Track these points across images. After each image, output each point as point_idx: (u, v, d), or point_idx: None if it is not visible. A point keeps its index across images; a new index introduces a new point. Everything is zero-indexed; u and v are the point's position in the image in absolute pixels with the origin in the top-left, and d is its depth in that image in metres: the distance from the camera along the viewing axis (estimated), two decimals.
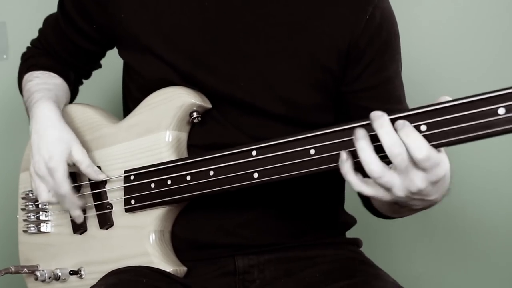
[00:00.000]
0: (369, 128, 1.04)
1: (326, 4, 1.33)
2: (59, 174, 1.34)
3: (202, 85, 1.34)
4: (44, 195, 1.37)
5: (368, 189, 1.05)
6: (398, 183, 1.01)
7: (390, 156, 1.00)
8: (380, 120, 1.01)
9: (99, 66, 1.66)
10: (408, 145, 0.99)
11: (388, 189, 1.03)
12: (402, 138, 0.99)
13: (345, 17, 1.32)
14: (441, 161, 1.00)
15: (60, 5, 1.52)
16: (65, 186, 1.34)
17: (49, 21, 1.58)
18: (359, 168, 1.05)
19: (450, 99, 1.00)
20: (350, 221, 1.49)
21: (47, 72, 1.53)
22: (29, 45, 1.62)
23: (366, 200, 1.37)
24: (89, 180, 1.39)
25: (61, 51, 1.55)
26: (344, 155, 1.05)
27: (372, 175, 1.02)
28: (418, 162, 0.99)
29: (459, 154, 1.88)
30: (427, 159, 0.98)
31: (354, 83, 1.35)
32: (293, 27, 1.33)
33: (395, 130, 1.00)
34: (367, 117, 1.06)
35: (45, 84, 1.49)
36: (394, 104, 1.36)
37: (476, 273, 2.03)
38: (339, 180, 1.45)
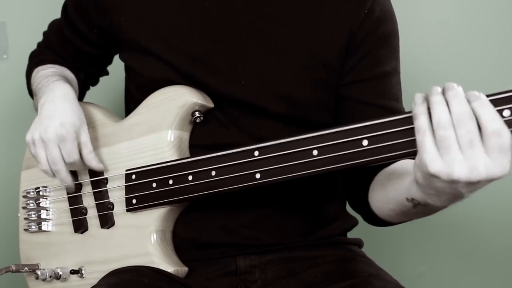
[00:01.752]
0: (373, 127, 1.04)
1: (326, 3, 1.34)
2: (69, 143, 1.33)
3: (203, 85, 1.34)
4: (44, 163, 1.36)
5: (428, 137, 0.97)
6: (459, 157, 0.94)
7: (456, 124, 0.94)
8: (455, 90, 0.96)
9: (106, 72, 1.66)
10: (481, 115, 0.93)
11: (445, 150, 0.95)
12: (475, 109, 0.94)
13: (344, 14, 1.32)
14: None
15: (63, 10, 1.53)
16: (76, 155, 1.34)
17: (54, 25, 1.59)
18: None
19: None
20: (352, 222, 1.48)
21: (61, 66, 1.54)
22: (36, 47, 1.63)
23: (363, 203, 1.34)
24: (91, 177, 1.39)
25: (64, 54, 1.56)
26: (420, 96, 1.00)
27: (439, 123, 0.95)
28: (488, 135, 0.93)
29: None
30: (498, 133, 0.92)
31: (348, 74, 1.35)
32: (293, 27, 1.33)
33: (468, 102, 0.95)
34: (360, 113, 1.06)
35: (63, 74, 1.51)
36: (390, 101, 1.35)
37: (477, 273, 2.03)
38: (341, 181, 1.45)
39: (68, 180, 1.38)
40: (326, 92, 1.36)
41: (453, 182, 0.96)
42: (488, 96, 0.95)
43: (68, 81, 1.48)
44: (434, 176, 0.97)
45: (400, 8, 1.44)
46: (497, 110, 0.94)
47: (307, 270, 1.34)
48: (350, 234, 1.49)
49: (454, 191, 1.00)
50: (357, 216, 1.48)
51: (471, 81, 1.93)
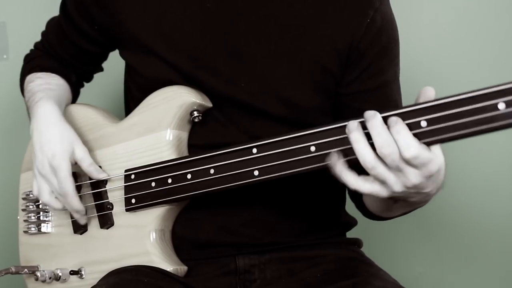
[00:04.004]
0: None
1: (328, 7, 1.34)
2: (62, 173, 1.33)
3: (203, 85, 1.34)
4: (45, 196, 1.37)
5: (364, 185, 1.06)
6: (393, 178, 1.03)
7: (381, 156, 1.02)
8: (372, 120, 1.03)
9: (101, 69, 1.66)
10: (398, 142, 1.01)
11: (383, 182, 1.04)
12: (393, 135, 1.01)
13: (346, 20, 1.33)
14: (432, 158, 1.02)
15: (62, 6, 1.53)
16: (68, 184, 1.33)
17: (52, 23, 1.59)
18: (353, 165, 1.07)
19: (433, 90, 1.03)
20: (351, 222, 1.49)
21: (49, 73, 1.54)
22: (32, 48, 1.63)
23: (359, 201, 1.39)
24: (90, 179, 1.39)
25: (63, 53, 1.55)
26: (334, 156, 1.07)
27: (365, 166, 1.03)
28: (407, 160, 1.01)
29: (459, 155, 1.90)
30: (415, 158, 1.00)
31: (351, 85, 1.36)
32: (295, 30, 1.33)
33: (388, 127, 1.02)
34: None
35: (47, 84, 1.50)
36: (389, 108, 1.36)
37: (476, 273, 2.03)
38: (340, 181, 1.45)
39: (76, 204, 1.37)
40: (324, 95, 1.36)
41: (400, 193, 1.06)
42: (480, 90, 0.97)
43: (53, 93, 1.46)
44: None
45: (400, 9, 1.45)
46: (492, 104, 0.95)
47: (307, 269, 1.34)
48: (350, 234, 1.49)
49: (415, 192, 1.08)
50: (357, 216, 1.48)
51: (471, 81, 1.93)
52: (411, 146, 1.00)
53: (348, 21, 1.32)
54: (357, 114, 1.32)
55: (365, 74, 1.35)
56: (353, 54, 1.33)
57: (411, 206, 1.22)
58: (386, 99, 1.38)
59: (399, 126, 1.01)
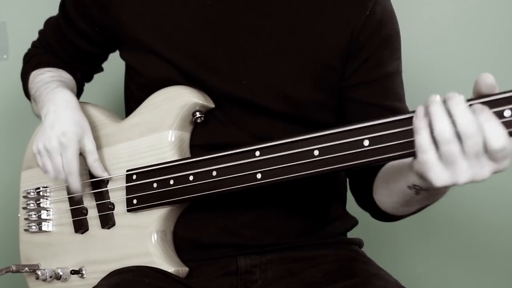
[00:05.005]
0: (375, 128, 1.04)
1: (327, 3, 1.34)
2: (70, 151, 1.33)
3: (204, 84, 1.34)
4: (51, 172, 1.36)
5: (432, 155, 0.94)
6: (464, 165, 0.93)
7: (463, 136, 0.91)
8: (457, 98, 0.93)
9: (101, 69, 1.66)
10: (486, 130, 0.91)
11: (449, 165, 0.94)
12: (480, 122, 0.92)
13: (346, 15, 1.33)
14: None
15: (61, 6, 1.52)
16: (75, 164, 1.33)
17: (50, 22, 1.58)
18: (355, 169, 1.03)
19: (492, 77, 0.95)
20: (352, 222, 1.49)
21: (57, 68, 1.54)
22: (30, 47, 1.62)
23: (368, 200, 1.35)
24: (92, 178, 1.39)
25: (61, 53, 1.55)
26: (421, 109, 0.96)
27: (442, 138, 0.92)
28: (492, 151, 0.91)
29: None
30: (502, 150, 0.91)
31: (352, 77, 1.35)
32: (294, 26, 1.33)
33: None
34: (365, 114, 1.05)
35: (60, 77, 1.50)
36: (393, 101, 1.35)
37: (476, 272, 2.03)
38: (342, 181, 1.45)
39: (77, 186, 1.38)
40: (327, 91, 1.36)
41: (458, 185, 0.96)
42: (488, 96, 0.95)
43: (67, 85, 1.48)
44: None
45: (400, 8, 1.44)
46: (498, 111, 0.94)
47: (308, 270, 1.34)
48: (350, 234, 1.49)
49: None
50: (357, 216, 1.48)
51: (472, 81, 1.93)
52: (501, 136, 0.91)
53: (348, 15, 1.32)
54: (358, 108, 1.32)
55: (365, 65, 1.34)
56: (353, 47, 1.33)
57: (431, 198, 1.15)
58: (388, 92, 1.36)
59: (488, 113, 0.92)
